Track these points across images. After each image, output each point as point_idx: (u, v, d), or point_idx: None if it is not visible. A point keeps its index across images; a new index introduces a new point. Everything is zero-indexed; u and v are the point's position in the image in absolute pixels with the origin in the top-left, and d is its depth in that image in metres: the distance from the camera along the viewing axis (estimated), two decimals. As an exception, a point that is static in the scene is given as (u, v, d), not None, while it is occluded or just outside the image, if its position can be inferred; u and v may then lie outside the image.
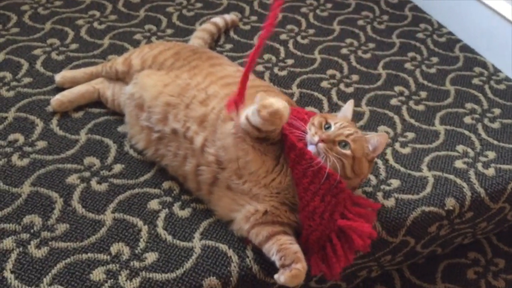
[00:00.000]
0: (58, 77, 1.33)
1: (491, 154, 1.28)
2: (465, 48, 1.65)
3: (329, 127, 1.01)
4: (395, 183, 1.19)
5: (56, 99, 1.27)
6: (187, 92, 1.11)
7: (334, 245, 0.96)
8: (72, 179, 1.13)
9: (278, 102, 0.93)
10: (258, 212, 1.01)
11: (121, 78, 1.28)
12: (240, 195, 1.03)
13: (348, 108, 1.08)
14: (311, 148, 0.98)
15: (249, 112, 0.96)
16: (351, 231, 0.96)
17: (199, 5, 1.72)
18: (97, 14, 1.63)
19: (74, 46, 1.49)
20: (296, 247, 0.96)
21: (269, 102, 0.93)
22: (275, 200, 1.01)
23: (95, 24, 1.58)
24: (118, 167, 1.16)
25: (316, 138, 0.98)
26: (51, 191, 1.10)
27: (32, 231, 1.02)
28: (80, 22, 1.59)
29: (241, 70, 1.23)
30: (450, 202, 1.16)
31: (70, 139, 1.22)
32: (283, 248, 0.95)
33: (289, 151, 0.99)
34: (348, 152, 0.98)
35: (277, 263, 0.95)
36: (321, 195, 0.96)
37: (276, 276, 0.93)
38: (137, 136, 1.17)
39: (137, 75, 1.21)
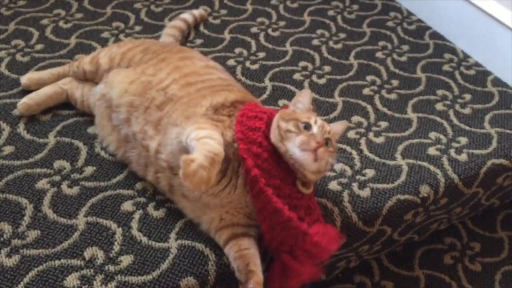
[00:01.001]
0: (24, 79, 1.29)
1: (463, 140, 1.29)
2: (435, 35, 1.66)
3: (307, 127, 0.96)
4: (370, 173, 1.19)
5: (23, 103, 1.23)
6: (147, 92, 1.08)
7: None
8: (42, 184, 1.10)
9: (199, 159, 0.85)
10: (214, 220, 1.00)
11: (89, 78, 1.25)
12: (196, 203, 1.01)
13: (307, 99, 1.03)
14: (302, 155, 0.93)
15: (189, 142, 0.91)
16: (287, 268, 0.95)
17: (167, 0, 1.69)
18: (63, 12, 1.59)
19: (39, 46, 1.45)
20: (251, 253, 0.95)
21: (190, 160, 0.85)
22: (228, 207, 0.99)
23: (61, 23, 1.54)
24: (89, 170, 1.14)
25: (314, 144, 0.93)
26: (20, 197, 1.07)
27: (1, 239, 0.99)
28: (45, 21, 1.54)
29: (210, 65, 1.22)
30: (424, 189, 1.17)
31: (38, 143, 1.19)
32: (237, 256, 0.95)
33: (262, 206, 0.93)
34: (331, 149, 0.97)
35: (236, 274, 0.95)
36: (272, 225, 0.94)
37: None
38: (108, 138, 1.15)
39: (107, 75, 1.18)
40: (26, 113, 1.23)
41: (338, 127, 1.06)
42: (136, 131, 1.06)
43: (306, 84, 1.42)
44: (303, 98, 1.03)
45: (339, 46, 1.58)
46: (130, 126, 1.07)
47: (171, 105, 1.05)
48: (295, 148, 0.94)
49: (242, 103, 1.04)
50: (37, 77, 1.30)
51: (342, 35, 1.62)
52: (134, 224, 1.04)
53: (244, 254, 0.95)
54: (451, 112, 1.38)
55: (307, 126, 0.97)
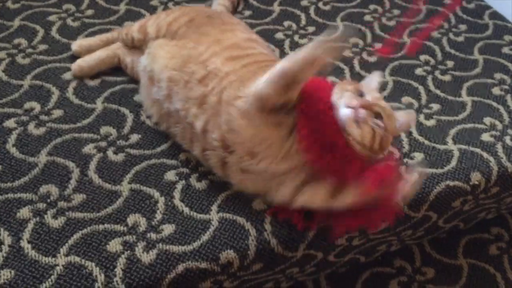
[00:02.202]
0: (75, 46, 1.31)
1: (520, 127, 1.23)
2: (495, 15, 1.57)
3: (362, 95, 0.96)
4: (418, 156, 1.15)
5: (77, 65, 1.26)
6: (186, 66, 1.06)
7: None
8: (88, 148, 1.11)
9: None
10: (296, 187, 0.96)
11: (137, 46, 1.24)
12: (259, 176, 0.98)
13: (373, 81, 1.03)
14: (345, 112, 0.92)
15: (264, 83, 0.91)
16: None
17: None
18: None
19: (89, 12, 1.46)
20: None
21: None
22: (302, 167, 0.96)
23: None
24: (134, 137, 1.14)
25: (355, 102, 0.92)
26: (67, 160, 1.09)
27: (48, 201, 1.01)
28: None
29: (252, 38, 1.19)
30: (475, 177, 1.12)
31: (86, 108, 1.20)
32: None
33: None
34: (382, 124, 0.94)
35: None
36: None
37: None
38: (150, 110, 1.15)
39: (150, 45, 1.17)
40: (79, 75, 1.26)
41: (403, 115, 1.00)
42: (179, 108, 1.04)
43: (356, 61, 1.38)
44: (369, 79, 1.04)
45: (393, 23, 1.52)
46: (172, 103, 1.06)
47: (216, 80, 1.02)
48: (342, 105, 0.93)
49: None
50: (87, 44, 1.32)
51: (396, 12, 1.56)
52: (177, 194, 1.04)
53: None
54: (508, 97, 1.31)
55: (362, 94, 0.96)
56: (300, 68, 0.89)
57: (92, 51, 1.30)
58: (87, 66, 1.26)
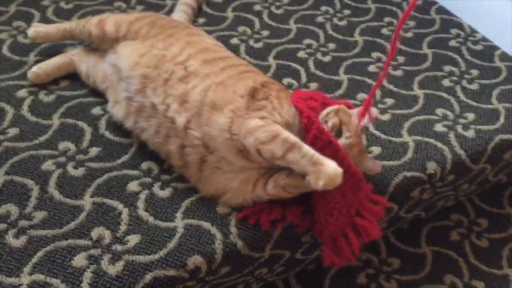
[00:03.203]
0: (31, 32, 1.30)
1: (470, 116, 1.28)
2: (441, 10, 1.63)
3: (339, 135, 0.99)
4: (376, 150, 1.18)
5: (33, 72, 1.25)
6: (163, 65, 1.07)
7: (349, 239, 1.00)
8: (47, 165, 1.10)
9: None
10: (252, 176, 1.00)
11: (94, 42, 1.25)
12: (232, 171, 1.02)
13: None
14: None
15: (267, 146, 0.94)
16: (362, 229, 1.00)
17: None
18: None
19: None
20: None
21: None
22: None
23: (62, 4, 1.52)
24: (94, 151, 1.14)
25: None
26: (26, 178, 1.07)
27: (8, 220, 0.99)
28: (45, 2, 1.52)
29: (219, 44, 1.20)
30: (431, 166, 1.16)
31: (42, 125, 1.18)
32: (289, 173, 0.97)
33: (323, 146, 0.95)
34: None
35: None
36: (344, 191, 0.96)
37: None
38: (117, 105, 1.14)
39: (116, 45, 1.18)
40: (35, 82, 1.25)
41: (370, 164, 1.05)
42: (156, 102, 1.05)
43: (310, 62, 1.41)
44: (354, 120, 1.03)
45: (344, 23, 1.56)
46: (146, 97, 1.06)
47: (197, 80, 1.04)
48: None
49: (270, 83, 1.06)
50: (44, 30, 1.31)
51: (347, 12, 1.60)
52: (141, 204, 1.04)
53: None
54: (458, 88, 1.36)
55: (339, 134, 1.00)
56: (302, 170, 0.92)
57: (48, 38, 1.30)
58: (43, 73, 1.25)
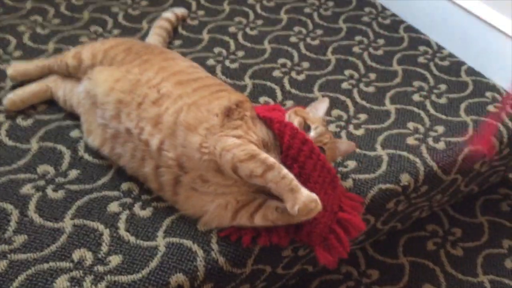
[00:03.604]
0: (10, 70, 1.31)
1: (440, 129, 1.33)
2: (409, 29, 1.69)
3: (308, 130, 1.06)
4: (351, 164, 1.22)
5: (8, 98, 1.25)
6: (137, 89, 1.09)
7: (338, 234, 1.03)
8: (26, 189, 1.10)
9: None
10: (230, 203, 1.02)
11: (72, 73, 1.26)
12: (206, 194, 1.03)
13: (321, 106, 1.13)
14: None
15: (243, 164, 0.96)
16: (347, 223, 1.04)
17: (144, 3, 1.69)
18: (40, 19, 1.58)
19: (17, 53, 1.45)
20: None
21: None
22: (243, 188, 1.02)
23: (38, 30, 1.54)
24: (73, 173, 1.14)
25: None
26: (5, 203, 1.07)
27: (-12, 245, 0.99)
28: (21, 28, 1.54)
29: (194, 65, 1.23)
30: (405, 178, 1.20)
31: (21, 149, 1.18)
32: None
33: (300, 146, 1.00)
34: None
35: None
36: (325, 188, 1.01)
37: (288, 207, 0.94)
38: (93, 133, 1.15)
39: (91, 72, 1.19)
40: (11, 109, 1.25)
41: (344, 146, 1.13)
42: (131, 126, 1.07)
43: (286, 80, 1.45)
44: (320, 106, 1.14)
45: (317, 42, 1.60)
46: (121, 123, 1.08)
47: (169, 102, 1.06)
48: None
49: (244, 102, 1.09)
50: (23, 68, 1.32)
51: (319, 32, 1.65)
52: (121, 225, 1.05)
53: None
54: (427, 103, 1.41)
55: (308, 130, 1.06)
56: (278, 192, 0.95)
57: (28, 76, 1.31)
58: (19, 100, 1.26)
